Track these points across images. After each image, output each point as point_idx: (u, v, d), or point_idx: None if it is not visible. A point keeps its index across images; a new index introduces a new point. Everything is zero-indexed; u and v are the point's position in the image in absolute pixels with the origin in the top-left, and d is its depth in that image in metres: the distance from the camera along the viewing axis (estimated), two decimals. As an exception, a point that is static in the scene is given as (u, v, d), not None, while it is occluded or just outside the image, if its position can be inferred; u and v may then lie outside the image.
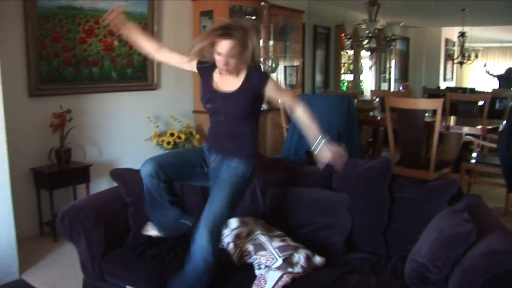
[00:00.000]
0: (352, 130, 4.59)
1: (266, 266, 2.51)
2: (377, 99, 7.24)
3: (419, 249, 2.34)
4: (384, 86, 11.14)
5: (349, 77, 9.88)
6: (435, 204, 2.72)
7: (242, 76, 2.49)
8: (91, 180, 4.45)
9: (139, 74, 5.14)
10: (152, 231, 2.72)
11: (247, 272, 2.54)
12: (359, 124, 4.76)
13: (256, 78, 2.48)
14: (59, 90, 4.42)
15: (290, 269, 2.45)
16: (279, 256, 2.54)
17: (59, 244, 4.14)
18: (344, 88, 9.68)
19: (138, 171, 3.13)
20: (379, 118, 5.54)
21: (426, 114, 4.67)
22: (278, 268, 2.46)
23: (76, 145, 4.51)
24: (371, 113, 6.02)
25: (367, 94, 9.58)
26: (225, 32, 2.34)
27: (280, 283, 2.35)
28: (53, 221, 3.99)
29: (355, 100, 6.60)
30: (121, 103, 5.03)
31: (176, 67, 2.74)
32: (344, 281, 2.39)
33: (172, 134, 5.19)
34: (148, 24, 5.11)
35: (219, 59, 2.40)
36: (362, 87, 10.17)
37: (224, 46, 2.35)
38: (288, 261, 2.52)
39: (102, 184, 4.70)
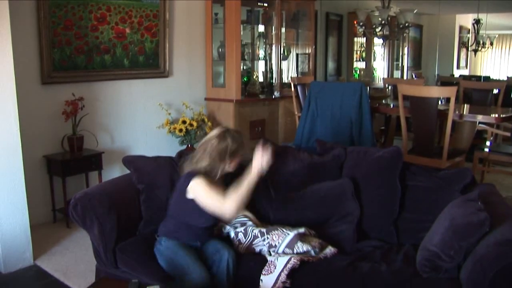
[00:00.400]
0: (364, 118, 4.56)
1: (277, 246, 2.53)
2: (390, 87, 7.20)
3: (431, 237, 2.33)
4: (397, 74, 11.05)
5: (362, 64, 9.81)
6: (448, 192, 2.71)
7: None
8: (103, 168, 4.48)
9: (151, 62, 5.14)
10: None
11: (257, 257, 2.55)
12: (371, 112, 4.72)
13: None
14: (72, 78, 4.44)
15: (301, 246, 2.47)
16: (291, 231, 2.57)
17: (72, 230, 4.18)
18: (357, 75, 9.61)
19: (150, 158, 3.16)
20: (391, 106, 5.49)
21: (440, 102, 4.63)
22: (289, 245, 2.49)
23: (88, 133, 4.54)
24: (383, 101, 5.98)
25: (380, 82, 9.52)
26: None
27: (289, 265, 2.37)
28: (66, 208, 4.03)
29: (368, 88, 6.55)
30: (133, 90, 5.04)
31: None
32: (355, 268, 2.39)
33: (184, 122, 5.19)
34: (160, 11, 5.10)
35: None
36: (374, 74, 10.10)
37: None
38: (299, 235, 2.53)
39: (114, 171, 4.72)
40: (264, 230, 2.65)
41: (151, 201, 2.98)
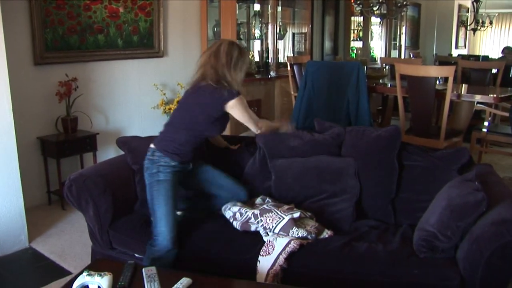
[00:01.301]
0: (361, 97, 4.56)
1: (271, 229, 2.53)
2: (387, 67, 7.18)
3: (428, 217, 2.35)
4: (394, 54, 11.00)
5: (359, 44, 9.76)
6: (445, 172, 2.71)
7: None
8: (98, 149, 4.47)
9: (145, 42, 5.10)
10: None
11: (255, 237, 2.56)
12: (368, 92, 4.71)
13: None
14: (65, 58, 4.40)
15: (296, 231, 2.48)
16: (286, 215, 2.57)
17: (67, 212, 4.18)
18: (354, 55, 9.57)
19: (144, 138, 3.16)
20: (389, 85, 5.48)
21: (437, 82, 4.62)
22: (284, 229, 2.50)
23: (82, 114, 4.52)
24: (380, 81, 5.96)
25: (377, 62, 9.49)
26: None
27: (288, 249, 2.37)
28: (61, 190, 4.03)
29: (365, 68, 6.54)
30: (127, 71, 5.01)
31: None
32: (351, 248, 2.41)
33: (179, 102, 5.16)
34: (154, 1, 5.06)
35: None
36: (372, 54, 10.06)
37: None
38: (294, 220, 2.54)
39: (109, 153, 4.72)
40: (257, 212, 2.63)
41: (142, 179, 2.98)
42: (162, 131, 2.78)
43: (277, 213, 2.60)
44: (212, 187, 2.91)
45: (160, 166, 2.64)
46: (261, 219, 2.60)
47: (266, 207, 2.68)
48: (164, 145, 2.68)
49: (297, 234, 2.48)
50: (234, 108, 2.67)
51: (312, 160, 2.96)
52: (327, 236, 2.56)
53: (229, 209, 2.76)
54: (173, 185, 2.64)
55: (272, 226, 2.54)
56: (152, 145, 2.73)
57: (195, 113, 2.71)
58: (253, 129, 2.85)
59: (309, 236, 2.49)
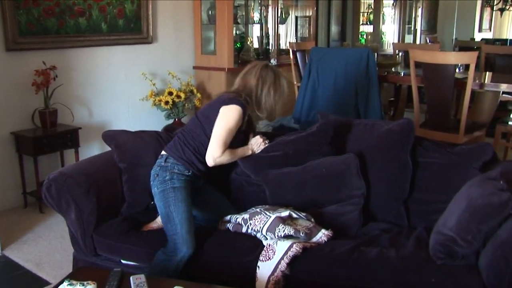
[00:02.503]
0: (371, 88, 4.56)
1: (259, 230, 2.57)
2: (401, 53, 7.16)
3: (446, 220, 2.34)
4: (409, 39, 10.97)
5: (369, 28, 9.74)
6: (465, 170, 2.71)
7: None
8: (80, 145, 4.47)
9: (132, 26, 5.09)
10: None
11: (254, 241, 2.57)
12: (379, 82, 4.71)
13: None
14: (41, 44, 4.39)
15: (282, 228, 2.51)
16: (272, 214, 2.60)
17: (46, 216, 4.18)
18: (363, 41, 9.56)
19: (133, 133, 3.15)
20: (402, 74, 5.48)
21: (457, 70, 4.61)
22: (270, 228, 2.53)
23: (62, 106, 4.51)
24: (393, 69, 5.96)
25: (389, 48, 9.47)
26: None
27: (290, 253, 2.37)
28: (38, 191, 4.02)
29: (375, 54, 6.53)
30: (113, 58, 5.00)
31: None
32: (361, 253, 2.40)
33: (170, 93, 5.17)
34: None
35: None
36: (383, 39, 10.04)
37: None
38: (281, 219, 2.57)
39: (92, 149, 4.72)
40: (247, 216, 2.69)
41: (134, 181, 2.99)
42: (176, 137, 2.82)
43: (265, 213, 2.64)
44: (206, 208, 2.92)
45: (173, 173, 2.66)
46: (250, 223, 2.64)
47: (257, 210, 2.71)
48: (177, 152, 2.72)
49: (283, 232, 2.50)
50: (220, 114, 2.69)
51: (309, 169, 2.89)
52: (323, 236, 2.55)
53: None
54: (189, 193, 2.66)
55: (260, 227, 2.58)
56: (164, 152, 2.77)
57: (207, 120, 2.74)
58: (209, 153, 2.68)
59: (298, 235, 2.50)
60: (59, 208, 2.81)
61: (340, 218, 2.76)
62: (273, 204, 2.88)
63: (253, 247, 2.52)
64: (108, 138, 3.14)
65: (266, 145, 2.91)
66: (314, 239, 2.54)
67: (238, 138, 2.79)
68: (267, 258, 2.40)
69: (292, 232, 2.50)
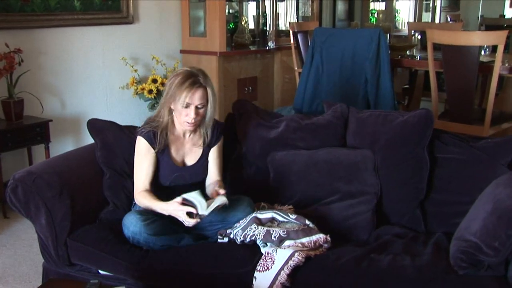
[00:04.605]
0: (382, 74, 4.55)
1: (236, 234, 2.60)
2: (417, 34, 7.15)
3: (469, 224, 2.34)
4: (427, 17, 10.97)
5: (381, 6, 9.75)
6: (491, 167, 2.71)
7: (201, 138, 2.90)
8: (51, 140, 4.44)
9: (110, 3, 5.07)
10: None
11: (250, 248, 2.57)
12: (392, 67, 4.70)
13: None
14: (3, 23, 4.34)
15: (254, 228, 2.54)
16: (253, 215, 2.66)
17: (10, 221, 4.17)
18: (374, 20, 9.56)
19: (124, 128, 3.16)
20: (418, 58, 5.47)
21: (483, 53, 4.59)
22: (244, 227, 2.58)
23: (30, 95, 4.48)
24: (408, 52, 5.95)
25: (404, 28, 9.47)
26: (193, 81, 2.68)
27: (291, 263, 2.37)
28: (2, 192, 3.99)
29: (388, 36, 6.51)
30: (88, 41, 4.98)
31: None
32: (371, 262, 2.40)
33: (154, 80, 5.15)
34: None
35: (187, 113, 2.70)
36: (397, 18, 10.04)
37: (196, 96, 2.68)
38: (257, 219, 2.62)
39: (65, 145, 4.71)
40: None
41: (119, 182, 3.01)
42: None
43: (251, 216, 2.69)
44: None
45: None
46: (236, 225, 2.68)
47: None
48: None
49: (253, 232, 2.54)
50: None
51: (321, 153, 2.95)
52: (321, 239, 2.54)
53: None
54: None
55: (238, 231, 2.62)
56: None
57: None
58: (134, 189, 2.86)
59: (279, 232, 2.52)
60: (26, 213, 2.79)
61: (351, 220, 2.77)
62: (275, 191, 2.96)
63: (249, 255, 2.51)
64: (95, 131, 3.12)
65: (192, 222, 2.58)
66: (314, 238, 2.54)
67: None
68: (265, 268, 2.40)
69: (261, 232, 2.53)
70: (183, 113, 2.70)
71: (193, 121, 2.70)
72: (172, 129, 2.83)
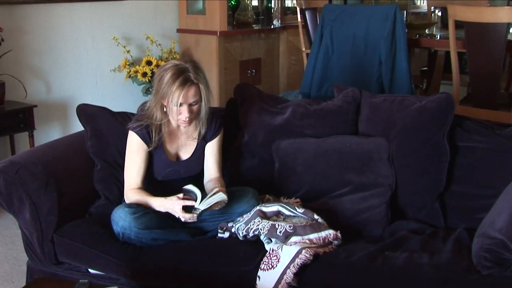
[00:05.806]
0: (398, 55, 4.55)
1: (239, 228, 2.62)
2: (437, 11, 7.13)
3: (493, 219, 2.34)
4: (447, -7, 10.95)
5: (397, -20, 9.72)
6: (518, 158, 2.71)
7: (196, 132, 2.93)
8: (36, 127, 4.44)
9: (99, -22, 5.07)
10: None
11: (254, 245, 2.58)
12: (409, 47, 4.69)
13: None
14: (-20, -1, 4.36)
15: (258, 222, 2.56)
16: (257, 207, 2.68)
17: (-7, 216, 4.19)
18: (389, -4, 9.54)
19: (117, 115, 3.16)
20: (438, 37, 5.46)
21: (511, 31, 4.57)
22: (247, 221, 2.60)
23: (12, 78, 4.47)
24: (427, 31, 5.93)
25: (423, 4, 9.44)
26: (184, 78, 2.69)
27: (298, 261, 2.38)
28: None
29: (405, 13, 6.49)
30: (76, 18, 4.98)
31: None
32: (385, 260, 2.41)
33: (149, 62, 5.15)
34: None
35: (180, 111, 2.74)
36: (415, -6, 10.01)
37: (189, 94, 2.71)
38: (262, 212, 2.64)
39: (52, 132, 4.71)
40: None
41: (109, 173, 3.01)
42: None
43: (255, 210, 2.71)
44: None
45: None
46: (238, 219, 2.72)
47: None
48: None
49: (256, 225, 2.56)
50: None
51: (331, 141, 2.95)
52: (331, 236, 2.56)
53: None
54: None
55: (240, 225, 2.64)
56: None
57: None
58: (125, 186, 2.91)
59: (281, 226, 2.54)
60: (9, 206, 2.80)
61: (364, 214, 2.78)
62: (280, 182, 2.99)
63: (252, 253, 2.52)
64: (85, 118, 3.13)
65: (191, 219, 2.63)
66: (323, 234, 2.55)
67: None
68: (270, 266, 2.40)
69: (264, 225, 2.54)
70: (176, 111, 2.72)
71: (187, 119, 2.74)
72: (166, 123, 2.85)
